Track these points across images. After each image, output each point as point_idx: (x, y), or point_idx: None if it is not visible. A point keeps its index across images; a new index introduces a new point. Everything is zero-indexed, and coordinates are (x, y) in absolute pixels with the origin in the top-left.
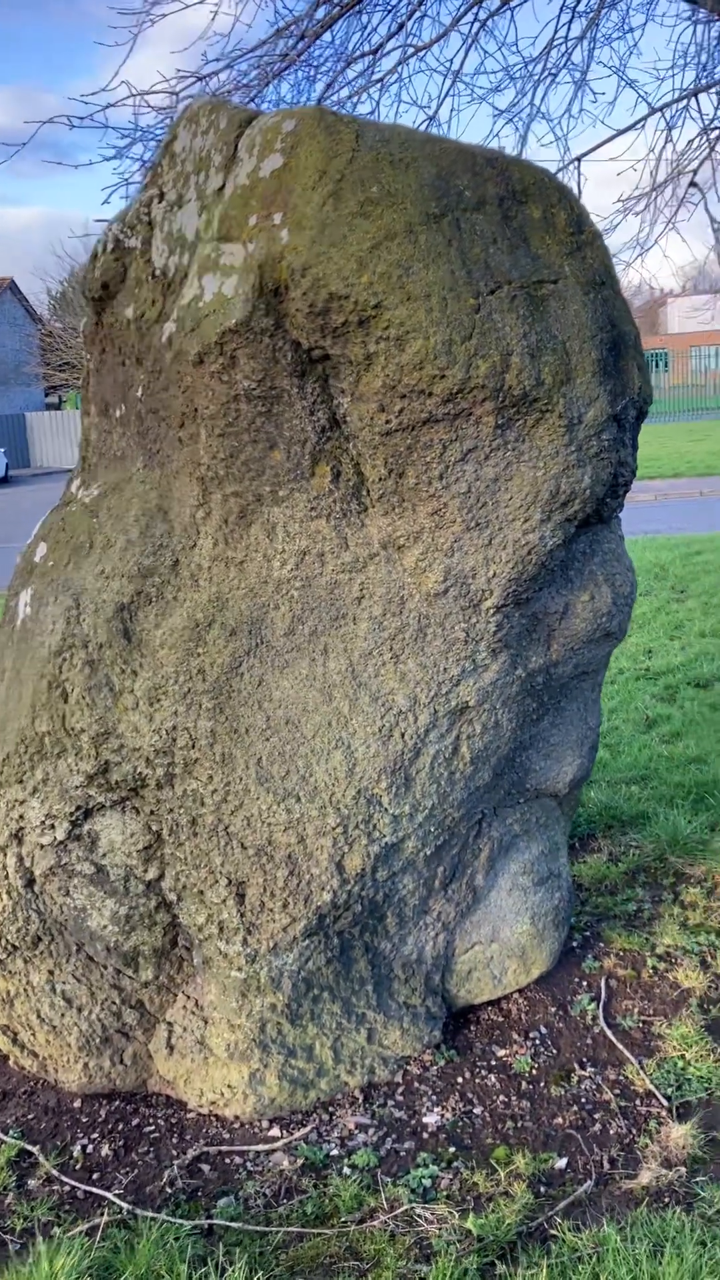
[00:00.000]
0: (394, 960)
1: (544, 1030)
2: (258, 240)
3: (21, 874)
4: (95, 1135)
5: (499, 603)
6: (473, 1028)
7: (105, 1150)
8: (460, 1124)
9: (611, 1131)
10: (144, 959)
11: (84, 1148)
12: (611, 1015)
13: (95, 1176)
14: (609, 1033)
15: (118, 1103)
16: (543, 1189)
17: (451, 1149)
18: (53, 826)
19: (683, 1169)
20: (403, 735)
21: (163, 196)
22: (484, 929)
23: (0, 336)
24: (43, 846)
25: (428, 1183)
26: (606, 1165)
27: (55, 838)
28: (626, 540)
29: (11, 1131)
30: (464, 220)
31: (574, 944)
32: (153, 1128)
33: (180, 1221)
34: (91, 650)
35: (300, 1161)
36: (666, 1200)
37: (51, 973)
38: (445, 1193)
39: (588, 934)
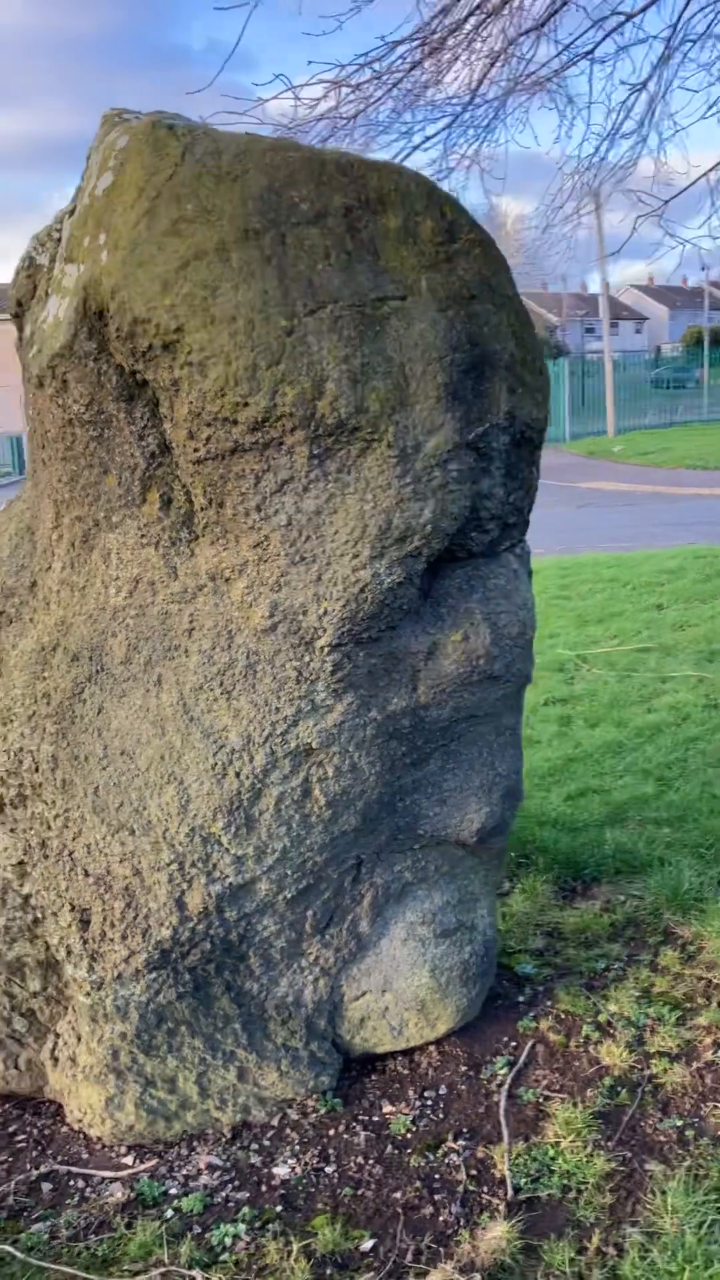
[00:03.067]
0: (265, 1001)
1: (443, 1091)
2: (87, 262)
3: None
4: None
5: (334, 641)
6: (374, 1077)
7: None
8: (304, 1181)
9: (441, 1218)
10: (29, 970)
11: None
12: (519, 1084)
13: None
14: (503, 1104)
15: (8, 1105)
16: (329, 1271)
17: (279, 1208)
18: None
19: (478, 1276)
20: (238, 775)
21: (73, 211)
22: (374, 978)
23: None
24: None
25: (227, 1241)
26: (410, 1256)
27: None
28: None
29: None
30: (292, 235)
31: (521, 999)
32: (24, 1137)
33: None
34: None
35: (131, 1195)
36: None
37: None
38: (235, 1257)
39: (540, 990)
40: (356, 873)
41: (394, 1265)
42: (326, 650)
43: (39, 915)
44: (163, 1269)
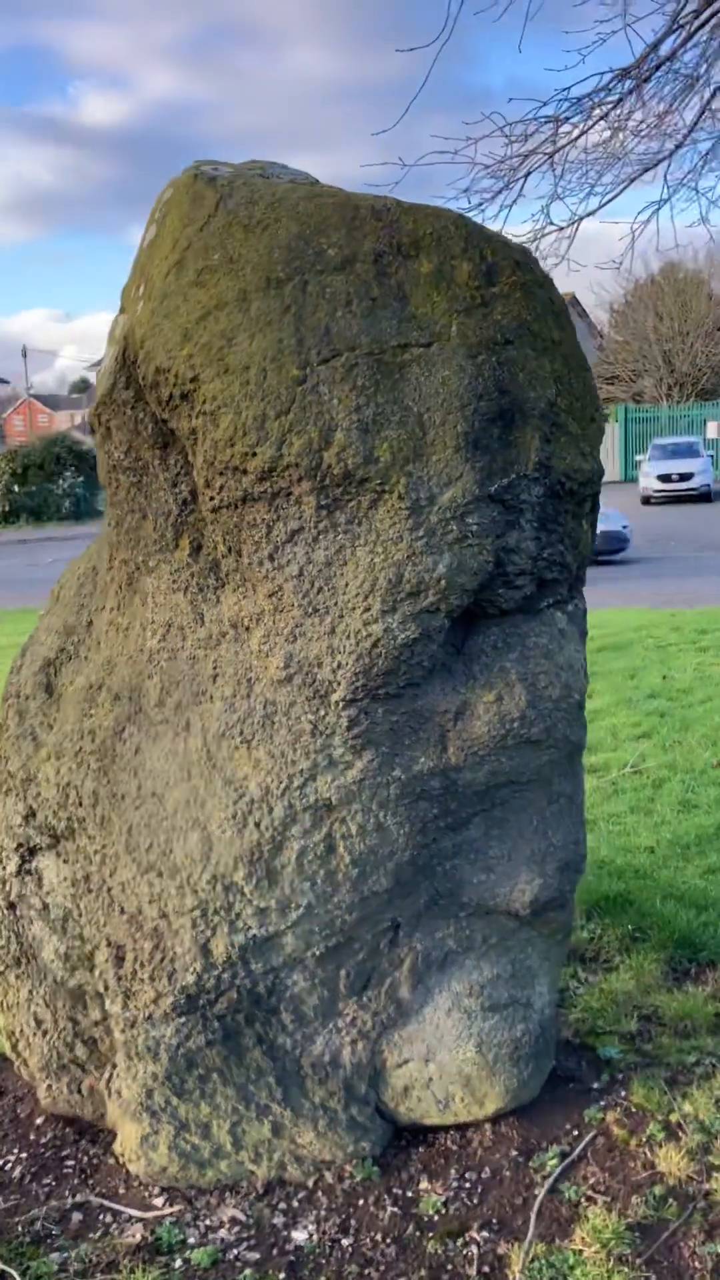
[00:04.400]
0: (300, 1058)
1: (486, 1174)
2: (129, 312)
3: (4, 897)
4: (24, 1155)
5: (347, 696)
6: (421, 1149)
7: (18, 1172)
8: (317, 1251)
9: None
10: (89, 998)
11: (7, 1164)
12: (565, 1179)
13: None
14: (539, 1199)
15: (69, 1130)
16: None
17: (281, 1274)
18: (8, 859)
19: None
20: (258, 825)
21: None
22: (417, 1046)
23: None
24: (12, 875)
25: None
26: None
27: (10, 870)
28: None
29: None
30: (315, 282)
31: (595, 1085)
32: (72, 1164)
33: None
34: (21, 700)
35: (149, 1239)
36: None
37: (30, 992)
38: None
39: (619, 1077)
40: (394, 935)
41: None
42: (341, 705)
43: (93, 946)
44: None
